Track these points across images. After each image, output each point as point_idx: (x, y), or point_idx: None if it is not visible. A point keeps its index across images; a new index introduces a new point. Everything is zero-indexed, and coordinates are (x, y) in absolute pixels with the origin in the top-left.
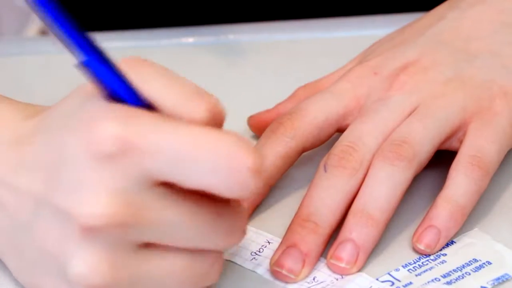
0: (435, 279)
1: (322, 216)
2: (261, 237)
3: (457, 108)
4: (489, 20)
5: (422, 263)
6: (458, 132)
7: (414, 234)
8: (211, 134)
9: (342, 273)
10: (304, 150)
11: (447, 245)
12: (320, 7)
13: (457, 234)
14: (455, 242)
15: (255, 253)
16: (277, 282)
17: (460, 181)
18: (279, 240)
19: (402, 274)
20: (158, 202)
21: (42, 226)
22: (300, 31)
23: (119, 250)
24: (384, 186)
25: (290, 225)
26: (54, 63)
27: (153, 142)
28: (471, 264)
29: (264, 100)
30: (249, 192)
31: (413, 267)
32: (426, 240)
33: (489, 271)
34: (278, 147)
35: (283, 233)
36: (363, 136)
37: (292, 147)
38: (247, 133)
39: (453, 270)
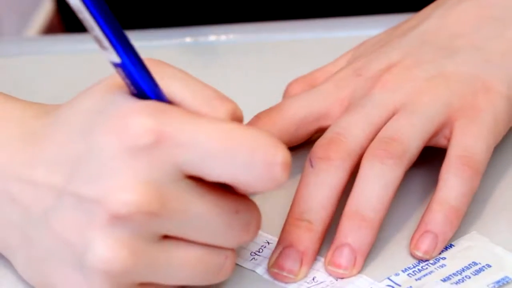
0: (435, 282)
1: (315, 214)
2: (261, 238)
3: (442, 104)
4: (474, 15)
5: (422, 267)
6: (444, 129)
7: (411, 240)
8: (243, 129)
9: (342, 277)
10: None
11: (446, 248)
12: (322, 7)
13: (455, 237)
14: (453, 246)
15: (254, 253)
16: (276, 282)
17: (452, 183)
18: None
19: (402, 279)
20: (186, 195)
21: (61, 216)
22: (301, 31)
23: (142, 239)
24: (376, 185)
25: (284, 225)
26: (54, 63)
27: (188, 135)
28: (471, 267)
29: (265, 100)
30: (278, 186)
31: (413, 271)
32: (424, 247)
33: (489, 274)
34: None
35: (274, 231)
36: (350, 126)
37: None
38: None
39: (453, 273)
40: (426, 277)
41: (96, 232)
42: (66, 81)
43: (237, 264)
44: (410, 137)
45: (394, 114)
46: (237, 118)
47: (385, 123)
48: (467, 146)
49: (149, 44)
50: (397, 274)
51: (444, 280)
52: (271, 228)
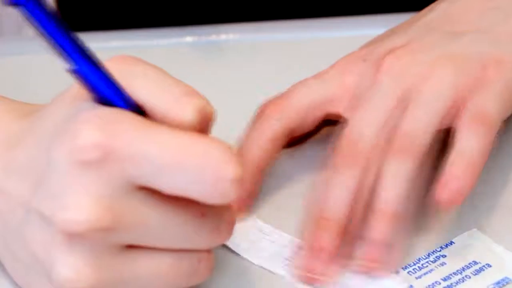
0: (436, 282)
1: (340, 214)
2: (293, 243)
3: (449, 84)
4: (479, 6)
5: (422, 265)
6: (456, 108)
7: (437, 186)
8: (196, 143)
9: (377, 272)
10: (291, 132)
11: (446, 245)
12: (321, 6)
13: (455, 234)
14: (454, 243)
15: (287, 259)
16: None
17: (469, 137)
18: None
19: (402, 277)
20: (140, 206)
21: (30, 231)
22: (300, 31)
23: (103, 254)
24: (399, 181)
25: (309, 227)
26: (54, 63)
27: (135, 149)
28: (471, 266)
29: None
30: (228, 201)
31: (413, 269)
32: (450, 191)
33: (489, 274)
34: (265, 131)
35: (289, 230)
36: (363, 128)
37: (278, 129)
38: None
39: (453, 273)
40: (427, 275)
41: (57, 251)
42: (66, 81)
43: (265, 269)
44: (424, 130)
45: (403, 101)
46: (205, 115)
47: (394, 110)
48: (480, 106)
49: (149, 44)
50: (397, 272)
51: (444, 280)
52: (278, 226)
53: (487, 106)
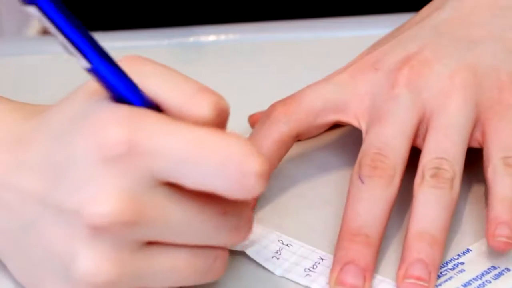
0: None
1: (372, 227)
2: (314, 254)
3: (471, 106)
4: (487, 5)
5: (441, 273)
6: (475, 132)
7: (487, 236)
8: (218, 138)
9: None
10: (299, 136)
11: (463, 253)
12: (322, 7)
13: (472, 241)
14: (471, 250)
15: (309, 269)
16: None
17: (505, 182)
18: (331, 257)
19: None
20: (163, 201)
21: (46, 225)
22: (302, 31)
23: (124, 248)
24: (438, 208)
25: (340, 241)
26: (54, 63)
27: (160, 144)
28: (490, 271)
29: (265, 100)
30: (253, 196)
31: None
32: (505, 233)
33: (509, 278)
34: (272, 132)
35: (290, 232)
36: (389, 141)
37: (285, 132)
38: (248, 132)
39: (473, 278)
40: (446, 283)
41: (79, 245)
42: (66, 81)
43: (288, 279)
44: (455, 156)
45: (425, 117)
46: (221, 110)
47: (417, 126)
48: (506, 146)
49: (147, 44)
50: None
51: (465, 286)
52: (321, 243)
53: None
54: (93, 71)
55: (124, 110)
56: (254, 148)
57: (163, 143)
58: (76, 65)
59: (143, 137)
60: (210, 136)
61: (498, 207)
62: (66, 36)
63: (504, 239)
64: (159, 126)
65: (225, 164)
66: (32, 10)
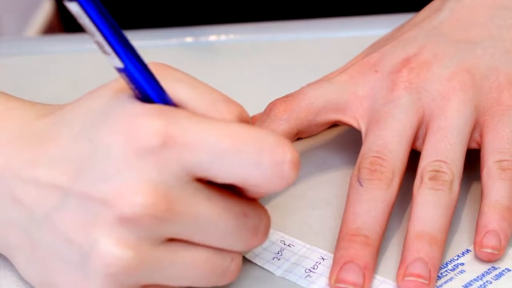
0: None
1: (371, 228)
2: (315, 253)
3: (470, 108)
4: (486, 6)
5: (442, 274)
6: (474, 133)
7: (475, 246)
8: (250, 130)
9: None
10: (299, 133)
11: (463, 253)
12: (322, 7)
13: (471, 241)
14: (470, 251)
15: (309, 270)
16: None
17: (498, 186)
18: (332, 256)
19: None
20: (193, 198)
21: (65, 215)
22: (301, 31)
23: (147, 241)
24: (437, 208)
25: (339, 242)
26: (54, 63)
27: (195, 136)
28: (491, 272)
29: (265, 100)
30: (287, 185)
31: None
32: (491, 243)
33: (510, 278)
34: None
35: (288, 230)
36: (388, 144)
37: (286, 129)
38: None
39: (474, 279)
40: (447, 284)
41: (102, 232)
42: (66, 81)
43: (288, 280)
44: (454, 158)
45: (424, 119)
46: (243, 121)
47: (417, 129)
48: (502, 149)
49: (149, 44)
50: None
51: (465, 286)
52: (321, 243)
53: (510, 148)
54: (125, 71)
55: (155, 106)
56: (285, 139)
57: (198, 136)
58: (76, 65)
59: (178, 130)
60: (243, 129)
61: (489, 214)
62: (103, 34)
63: (490, 250)
64: (193, 120)
65: (260, 154)
66: (73, 6)
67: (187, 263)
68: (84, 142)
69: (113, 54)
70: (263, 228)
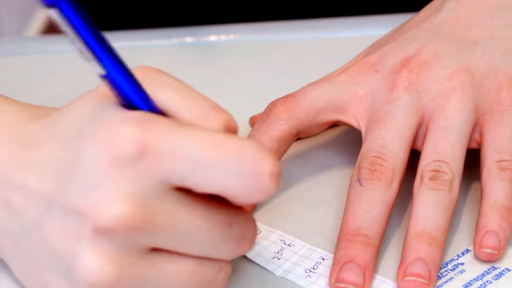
0: None
1: (371, 228)
2: (315, 253)
3: (470, 108)
4: (486, 5)
5: (442, 273)
6: (474, 132)
7: (474, 246)
8: (231, 140)
9: None
10: (299, 134)
11: (463, 253)
12: (322, 7)
13: (471, 241)
14: (470, 251)
15: (309, 270)
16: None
17: (497, 186)
18: (332, 256)
19: None
20: (173, 208)
21: (51, 224)
22: (301, 31)
23: (128, 252)
24: (437, 208)
25: (339, 242)
26: (54, 63)
27: (174, 145)
28: (491, 272)
29: (265, 100)
30: (267, 197)
31: None
32: (490, 243)
33: (510, 278)
34: (272, 130)
35: (289, 232)
36: (388, 144)
37: (286, 129)
38: (248, 133)
39: (474, 279)
40: (447, 284)
41: (83, 245)
42: (66, 81)
43: (288, 280)
44: (454, 158)
45: (424, 119)
46: (230, 130)
47: (417, 129)
48: (502, 148)
49: (149, 44)
50: None
51: (465, 286)
52: (321, 243)
53: (509, 148)
54: (107, 77)
55: (136, 113)
56: (266, 150)
57: (177, 145)
58: (76, 65)
59: (156, 138)
60: (224, 139)
61: (489, 214)
62: (84, 41)
63: (489, 251)
64: (172, 129)
65: (240, 164)
66: (52, 12)
67: (171, 274)
68: (69, 150)
69: (94, 61)
70: (249, 236)
